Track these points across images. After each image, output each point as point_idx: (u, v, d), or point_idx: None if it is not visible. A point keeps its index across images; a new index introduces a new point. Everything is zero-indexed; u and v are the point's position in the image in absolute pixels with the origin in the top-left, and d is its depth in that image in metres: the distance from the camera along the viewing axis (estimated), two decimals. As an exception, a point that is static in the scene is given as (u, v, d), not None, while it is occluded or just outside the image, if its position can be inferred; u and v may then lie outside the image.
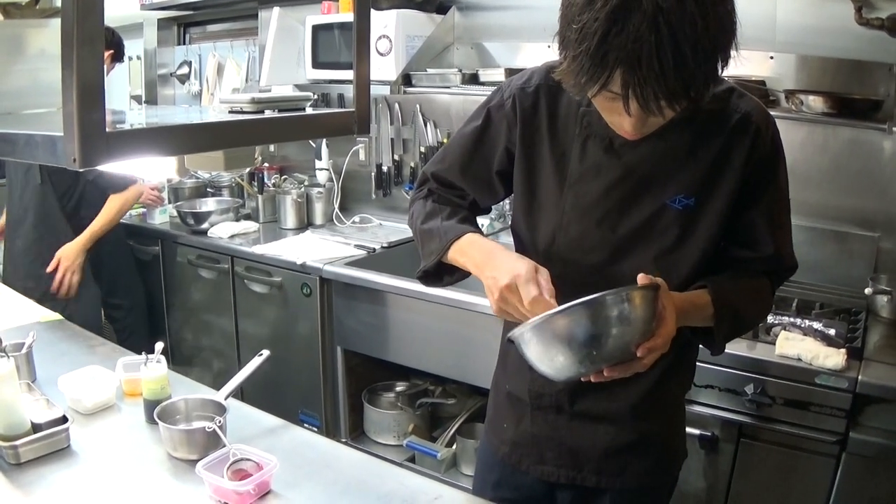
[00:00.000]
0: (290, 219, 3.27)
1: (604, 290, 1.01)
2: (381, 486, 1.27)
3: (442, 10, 2.96)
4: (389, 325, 2.56)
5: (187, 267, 3.19)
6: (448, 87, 2.79)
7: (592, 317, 0.97)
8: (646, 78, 0.89)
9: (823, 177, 2.30)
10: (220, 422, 1.32)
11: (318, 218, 3.31)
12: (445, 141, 3.02)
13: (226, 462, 1.23)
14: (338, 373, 2.78)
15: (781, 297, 2.17)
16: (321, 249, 2.87)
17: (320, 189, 3.32)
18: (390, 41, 2.77)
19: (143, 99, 4.10)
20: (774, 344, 1.85)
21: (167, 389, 1.48)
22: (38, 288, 2.75)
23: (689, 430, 1.57)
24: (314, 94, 3.14)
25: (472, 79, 2.73)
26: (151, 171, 2.58)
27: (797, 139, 2.29)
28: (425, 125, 3.07)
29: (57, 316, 2.08)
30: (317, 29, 2.97)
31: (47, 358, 1.70)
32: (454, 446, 2.53)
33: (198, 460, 1.24)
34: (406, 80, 2.81)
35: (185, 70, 3.94)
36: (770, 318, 2.03)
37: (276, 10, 3.12)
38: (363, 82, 1.23)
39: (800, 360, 1.79)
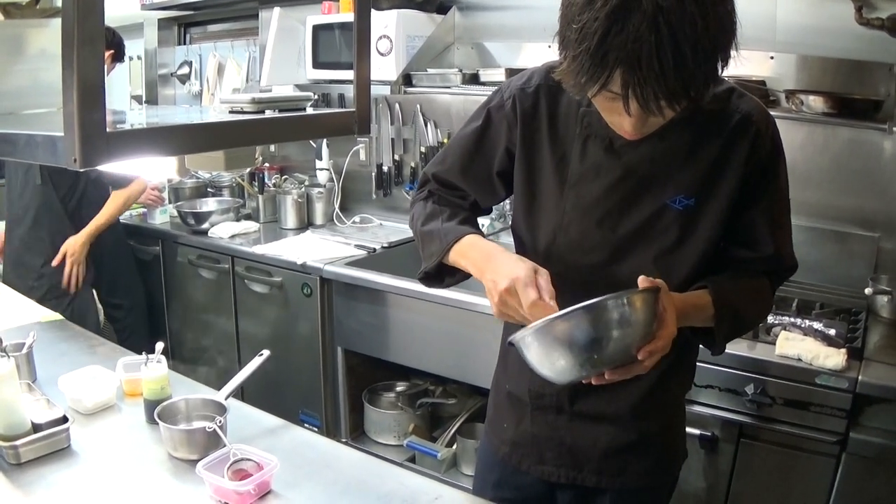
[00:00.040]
0: (290, 219, 3.27)
1: (604, 290, 1.01)
2: (382, 486, 1.27)
3: (442, 10, 2.96)
4: (390, 325, 2.56)
5: (188, 267, 3.19)
6: (448, 87, 2.79)
7: (593, 321, 0.97)
8: (646, 78, 0.89)
9: (823, 177, 2.30)
10: (220, 422, 1.32)
11: (319, 218, 3.31)
12: (446, 141, 3.01)
13: (226, 462, 1.23)
14: (338, 373, 2.78)
15: (781, 297, 2.17)
16: (321, 249, 2.87)
17: (321, 189, 3.32)
18: (391, 41, 2.77)
19: (144, 99, 4.10)
20: (774, 344, 1.85)
21: (167, 389, 1.48)
22: (39, 287, 2.76)
23: (689, 430, 1.57)
24: (315, 94, 3.14)
25: (473, 79, 2.73)
26: (152, 171, 2.58)
27: (797, 139, 2.29)
28: (426, 125, 3.08)
29: (57, 316, 2.08)
30: (317, 29, 2.97)
31: (47, 358, 1.70)
32: (454, 446, 2.53)
33: (198, 460, 1.24)
34: (406, 80, 2.81)
35: (185, 70, 3.94)
36: (770, 318, 2.03)
37: (277, 10, 3.12)
38: (363, 82, 1.23)
39: (800, 360, 1.79)
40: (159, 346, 1.51)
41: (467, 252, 1.19)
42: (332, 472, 1.32)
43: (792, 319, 2.05)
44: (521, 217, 1.26)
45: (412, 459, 2.61)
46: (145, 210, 3.40)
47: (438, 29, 2.91)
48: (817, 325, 2.00)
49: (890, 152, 2.21)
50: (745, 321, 1.20)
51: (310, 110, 1.27)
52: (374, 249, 2.87)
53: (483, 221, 1.37)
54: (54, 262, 2.79)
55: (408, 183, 3.21)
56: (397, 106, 3.14)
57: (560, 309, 1.02)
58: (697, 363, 1.37)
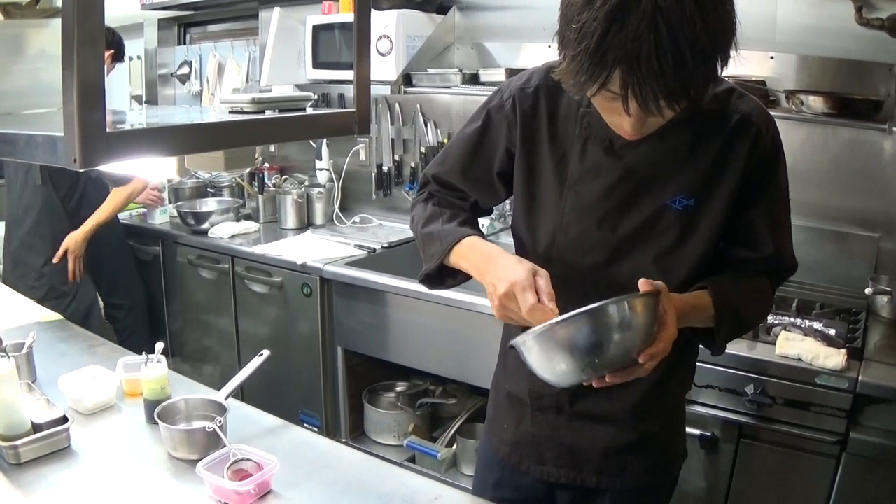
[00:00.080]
0: (290, 219, 3.27)
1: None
2: (381, 486, 1.27)
3: (442, 10, 2.96)
4: (390, 325, 2.56)
5: (188, 267, 3.19)
6: (448, 88, 2.79)
7: (595, 326, 0.97)
8: (645, 77, 0.89)
9: (823, 177, 2.30)
10: (220, 422, 1.32)
11: (319, 218, 3.31)
12: (446, 141, 3.02)
13: (226, 462, 1.23)
14: (338, 373, 2.78)
15: (781, 298, 2.17)
16: (321, 249, 2.87)
17: (321, 189, 3.32)
18: (391, 41, 2.77)
19: (144, 99, 4.10)
20: (774, 344, 1.85)
21: (167, 389, 1.48)
22: (40, 287, 2.76)
23: (689, 430, 1.57)
24: (315, 94, 3.14)
25: (473, 79, 2.73)
26: (152, 170, 2.58)
27: (797, 139, 2.29)
28: (426, 125, 3.07)
29: (57, 316, 2.08)
30: (317, 29, 2.97)
31: (47, 358, 1.71)
32: (454, 446, 2.53)
33: (198, 460, 1.24)
34: (406, 80, 2.81)
35: (185, 70, 3.94)
36: (770, 319, 2.03)
37: (277, 10, 3.12)
38: (363, 82, 1.23)
39: (800, 360, 1.79)
40: (159, 346, 1.51)
41: (467, 254, 1.20)
42: (332, 472, 1.32)
43: (792, 319, 2.05)
44: (520, 217, 1.26)
45: (412, 459, 2.61)
46: (145, 210, 3.41)
47: (438, 29, 2.91)
48: (817, 326, 2.00)
49: (890, 152, 2.21)
50: (745, 321, 1.20)
51: (310, 110, 1.27)
52: (374, 249, 2.87)
53: (483, 221, 1.37)
54: (55, 259, 2.79)
55: (408, 183, 3.21)
56: (397, 106, 3.14)
57: (559, 311, 1.03)
58: (697, 363, 1.37)
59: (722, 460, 1.92)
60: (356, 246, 2.89)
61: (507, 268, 1.09)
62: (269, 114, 1.18)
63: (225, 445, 1.28)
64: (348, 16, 2.77)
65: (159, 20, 3.99)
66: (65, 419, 1.36)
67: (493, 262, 1.13)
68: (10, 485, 1.24)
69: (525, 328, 1.03)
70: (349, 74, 1.28)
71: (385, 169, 3.24)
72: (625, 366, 1.01)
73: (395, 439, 2.72)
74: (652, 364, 1.02)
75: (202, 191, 3.64)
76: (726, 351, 1.22)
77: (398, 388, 2.83)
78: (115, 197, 2.89)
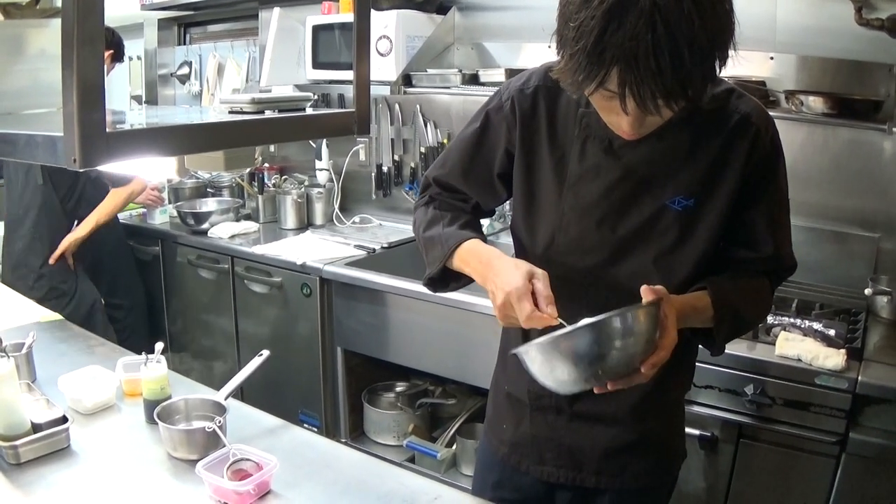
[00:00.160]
0: (290, 219, 3.27)
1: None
2: (381, 486, 1.27)
3: (442, 10, 2.96)
4: (389, 325, 2.56)
5: (187, 267, 3.19)
6: (448, 88, 2.79)
7: (598, 338, 0.98)
8: (642, 76, 0.88)
9: (823, 177, 2.30)
10: (220, 422, 1.32)
11: (319, 218, 3.31)
12: (446, 142, 3.02)
13: (226, 462, 1.23)
14: (338, 373, 2.78)
15: (781, 298, 2.17)
16: (321, 250, 2.87)
17: (320, 189, 3.32)
18: (390, 41, 2.77)
19: (144, 99, 4.10)
20: (774, 344, 1.85)
21: (167, 389, 1.48)
22: (39, 288, 2.76)
23: (689, 430, 1.57)
24: (314, 94, 3.14)
25: (473, 79, 2.73)
26: (151, 171, 2.58)
27: (797, 140, 2.29)
28: (425, 125, 3.07)
29: (57, 316, 2.08)
30: (317, 29, 2.97)
31: (47, 358, 1.71)
32: (454, 446, 2.53)
33: (198, 460, 1.24)
34: (406, 80, 2.81)
35: (185, 70, 3.94)
36: (770, 319, 2.03)
37: (277, 10, 3.12)
38: (363, 82, 1.23)
39: (800, 360, 1.79)
40: (159, 346, 1.51)
41: (468, 259, 1.20)
42: (332, 472, 1.32)
43: (792, 320, 2.05)
44: (520, 218, 1.26)
45: (412, 459, 2.61)
46: (145, 210, 3.40)
47: (438, 29, 2.91)
48: (817, 326, 2.00)
49: (890, 152, 2.21)
50: (744, 321, 1.20)
51: (309, 111, 1.27)
52: (374, 250, 2.87)
53: (483, 222, 1.37)
54: (51, 261, 2.79)
55: (407, 183, 3.21)
56: (397, 106, 3.14)
57: (559, 313, 1.03)
58: (697, 363, 1.37)
59: (721, 460, 1.92)
60: (356, 246, 2.89)
61: (504, 275, 1.09)
62: (268, 114, 1.18)
63: (225, 445, 1.28)
64: (348, 16, 2.77)
65: (159, 20, 3.99)
66: (64, 419, 1.36)
67: (492, 267, 1.13)
68: (10, 485, 1.24)
69: (528, 332, 1.04)
70: (349, 75, 1.28)
71: (385, 169, 3.24)
72: (627, 374, 1.02)
73: (394, 439, 2.71)
74: (653, 371, 1.03)
75: (202, 191, 3.64)
76: (726, 351, 1.22)
77: (398, 389, 2.83)
78: (114, 198, 2.89)
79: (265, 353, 1.56)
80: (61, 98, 0.81)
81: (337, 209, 3.32)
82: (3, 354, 1.33)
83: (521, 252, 1.26)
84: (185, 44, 4.06)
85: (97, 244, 2.92)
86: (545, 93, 1.19)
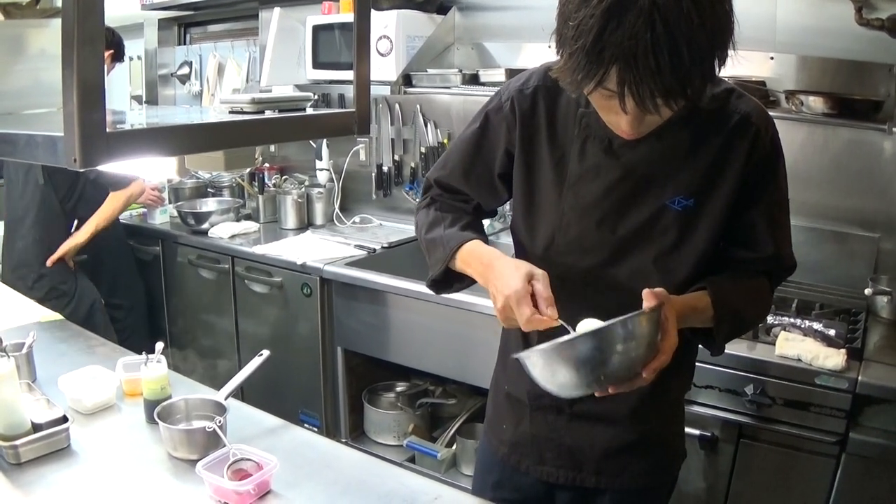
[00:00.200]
0: (290, 219, 3.27)
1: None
2: (381, 486, 1.27)
3: (442, 10, 2.96)
4: (389, 325, 2.56)
5: (187, 267, 3.19)
6: (448, 88, 2.79)
7: (600, 345, 0.98)
8: (641, 75, 0.88)
9: (823, 177, 2.30)
10: (220, 422, 1.32)
11: (319, 218, 3.31)
12: (446, 142, 3.02)
13: (226, 462, 1.23)
14: (338, 373, 2.78)
15: (781, 298, 2.17)
16: (321, 249, 2.87)
17: (321, 189, 3.32)
18: (391, 41, 2.77)
19: (144, 99, 4.10)
20: (774, 344, 1.85)
21: (167, 389, 1.48)
22: (40, 288, 2.76)
23: (689, 430, 1.57)
24: (314, 94, 3.14)
25: (473, 79, 2.73)
26: (151, 171, 2.58)
27: (797, 140, 2.29)
28: (426, 125, 3.07)
29: (57, 316, 2.08)
30: (317, 29, 2.97)
31: (47, 358, 1.71)
32: (454, 446, 2.53)
33: (198, 460, 1.24)
34: (406, 80, 2.81)
35: (185, 70, 3.94)
36: (770, 319, 2.03)
37: (277, 10, 3.12)
38: (363, 82, 1.23)
39: (800, 360, 1.79)
40: (159, 346, 1.51)
41: (469, 260, 1.21)
42: (332, 472, 1.32)
43: (792, 320, 2.05)
44: (520, 218, 1.26)
45: (412, 459, 2.61)
46: (145, 210, 3.41)
47: (438, 29, 2.91)
48: (817, 326, 2.00)
49: (890, 152, 2.21)
50: (744, 322, 1.21)
51: (310, 111, 1.27)
52: (374, 250, 2.87)
53: (484, 222, 1.37)
54: (49, 263, 2.79)
55: (408, 183, 3.21)
56: (397, 106, 3.14)
57: (559, 313, 1.03)
58: (697, 363, 1.37)
59: (721, 460, 1.92)
60: (356, 246, 2.89)
61: (504, 277, 1.09)
62: (268, 114, 1.18)
63: (225, 445, 1.28)
64: (348, 16, 2.77)
65: (159, 20, 3.99)
66: (64, 419, 1.36)
67: (493, 268, 1.13)
68: (10, 485, 1.24)
69: (528, 333, 1.04)
70: (349, 74, 1.28)
71: (385, 169, 3.24)
72: (629, 378, 1.02)
73: (394, 439, 2.72)
74: (654, 375, 1.03)
75: (202, 191, 3.65)
76: (726, 351, 1.22)
77: (398, 389, 2.83)
78: (113, 202, 2.88)
79: (265, 353, 1.56)
80: (61, 98, 0.81)
81: (337, 209, 3.32)
82: (4, 354, 1.33)
83: (521, 252, 1.26)
84: (185, 44, 4.06)
85: (97, 244, 2.91)
86: (545, 93, 1.19)
